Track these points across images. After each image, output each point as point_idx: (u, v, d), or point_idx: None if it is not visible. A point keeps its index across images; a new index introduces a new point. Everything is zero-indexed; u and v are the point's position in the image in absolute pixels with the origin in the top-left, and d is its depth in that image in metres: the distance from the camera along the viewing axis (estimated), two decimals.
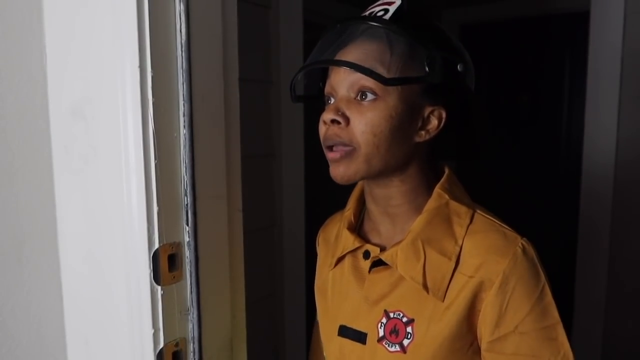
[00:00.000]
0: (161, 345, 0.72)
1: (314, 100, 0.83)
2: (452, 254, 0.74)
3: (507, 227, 0.75)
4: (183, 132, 0.72)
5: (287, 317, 1.87)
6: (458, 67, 0.74)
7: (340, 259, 0.85)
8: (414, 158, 0.76)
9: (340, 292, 0.84)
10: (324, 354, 0.89)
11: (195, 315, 0.75)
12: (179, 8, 0.70)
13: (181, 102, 0.72)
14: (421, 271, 0.73)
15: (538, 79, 3.00)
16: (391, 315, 0.76)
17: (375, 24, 0.72)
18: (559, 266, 2.20)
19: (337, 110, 0.72)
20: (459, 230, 0.75)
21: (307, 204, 1.88)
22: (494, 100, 3.06)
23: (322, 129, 0.75)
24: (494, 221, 0.76)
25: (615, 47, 1.82)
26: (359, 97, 0.72)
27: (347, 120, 0.72)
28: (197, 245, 0.75)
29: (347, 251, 0.83)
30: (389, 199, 0.78)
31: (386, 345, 0.75)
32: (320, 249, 0.94)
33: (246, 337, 0.89)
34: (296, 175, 1.83)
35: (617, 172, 1.87)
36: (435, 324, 0.73)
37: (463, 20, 2.92)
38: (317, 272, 0.93)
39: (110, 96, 0.71)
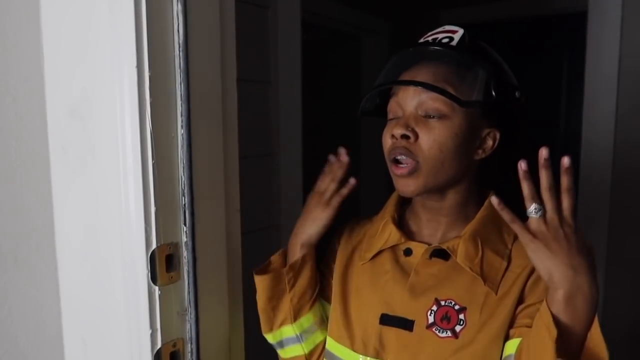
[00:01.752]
0: (159, 345, 0.72)
1: (370, 114, 0.90)
2: (504, 255, 0.81)
3: None
4: (181, 132, 0.72)
5: None
6: (516, 94, 0.82)
7: (377, 253, 0.88)
8: (468, 174, 0.83)
9: (379, 283, 0.86)
10: (354, 340, 0.87)
11: (192, 316, 0.75)
12: (177, 8, 0.70)
13: (179, 102, 0.71)
14: (479, 263, 0.79)
15: (536, 79, 3.00)
16: (442, 303, 0.79)
17: (448, 49, 0.79)
18: None
19: (407, 126, 0.78)
20: (508, 237, 0.83)
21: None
22: None
23: (388, 142, 0.81)
24: None
25: (613, 47, 1.82)
26: (426, 116, 0.78)
27: (416, 136, 0.78)
28: (195, 245, 0.74)
29: (389, 245, 0.87)
30: (440, 210, 0.84)
31: (436, 331, 0.78)
32: (341, 246, 0.96)
33: (244, 338, 0.89)
34: (294, 176, 1.83)
35: (614, 172, 1.87)
36: (488, 314, 0.77)
37: (461, 20, 2.92)
38: (335, 268, 0.94)
39: (108, 96, 0.70)
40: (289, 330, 0.93)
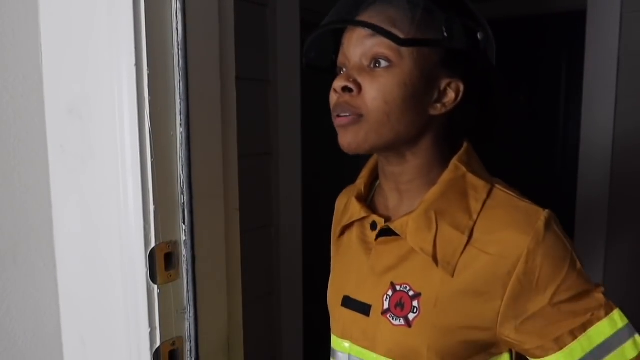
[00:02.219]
0: (158, 344, 0.72)
1: (325, 71, 0.81)
2: (465, 228, 0.70)
3: (527, 200, 0.73)
4: (180, 130, 0.72)
5: (284, 316, 1.87)
6: (478, 35, 0.71)
7: (346, 228, 0.84)
8: (428, 131, 0.73)
9: (345, 262, 0.83)
10: (331, 320, 0.87)
11: (192, 314, 0.75)
12: (176, 6, 0.70)
13: (178, 101, 0.71)
14: (432, 243, 0.70)
15: (535, 78, 3.00)
16: (397, 287, 0.74)
17: None
18: None
19: (349, 78, 0.70)
20: (475, 205, 0.71)
21: (304, 202, 1.88)
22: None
23: (332, 97, 0.72)
24: (513, 196, 0.73)
25: (612, 46, 1.82)
26: (372, 65, 0.70)
27: (359, 88, 0.69)
28: (194, 244, 0.74)
29: (352, 220, 0.81)
30: (400, 175, 0.76)
31: (390, 318, 0.73)
32: (336, 213, 0.94)
33: (243, 336, 0.89)
34: (293, 174, 1.83)
35: (613, 170, 1.87)
36: (443, 300, 0.70)
37: None
38: (332, 236, 0.93)
39: (107, 95, 0.70)
40: None
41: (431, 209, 0.72)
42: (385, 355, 0.74)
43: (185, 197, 0.73)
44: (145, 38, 0.67)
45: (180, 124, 0.72)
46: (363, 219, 0.81)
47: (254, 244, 1.70)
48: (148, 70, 0.68)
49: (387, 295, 0.74)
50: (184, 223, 0.74)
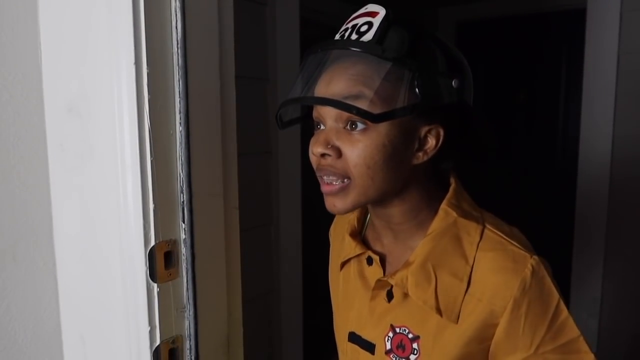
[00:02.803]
0: (157, 342, 0.72)
1: (303, 121, 0.80)
2: (463, 275, 0.71)
3: (516, 244, 0.72)
4: (179, 129, 0.72)
5: (283, 314, 1.87)
6: (453, 83, 0.69)
7: (345, 263, 0.85)
8: (413, 179, 0.73)
9: (348, 297, 0.84)
10: (338, 349, 0.89)
11: (191, 313, 0.75)
12: (175, 4, 0.69)
13: (177, 99, 0.71)
14: (433, 295, 0.71)
15: (535, 76, 3.01)
16: (397, 330, 0.75)
17: (356, 49, 0.67)
18: (554, 264, 2.21)
19: (327, 143, 0.69)
20: (469, 249, 0.72)
21: (304, 201, 1.88)
22: (491, 98, 3.06)
23: (313, 159, 0.72)
24: (503, 238, 0.72)
25: (612, 44, 1.82)
26: (348, 127, 0.68)
27: (339, 152, 0.68)
28: (194, 242, 0.74)
29: (349, 257, 0.83)
30: (390, 217, 0.76)
31: (394, 359, 0.76)
32: (333, 243, 0.94)
33: (243, 335, 0.89)
34: (293, 173, 1.83)
35: (612, 169, 1.87)
36: (442, 342, 0.72)
37: (459, 17, 2.92)
38: (330, 265, 0.94)
39: (106, 93, 0.70)
40: None
41: (427, 261, 0.72)
42: None
43: (184, 196, 0.73)
44: (144, 36, 0.67)
45: (180, 123, 0.72)
46: (359, 255, 0.82)
47: (254, 243, 1.70)
48: (147, 68, 0.67)
49: (389, 336, 0.76)
50: (183, 222, 0.74)
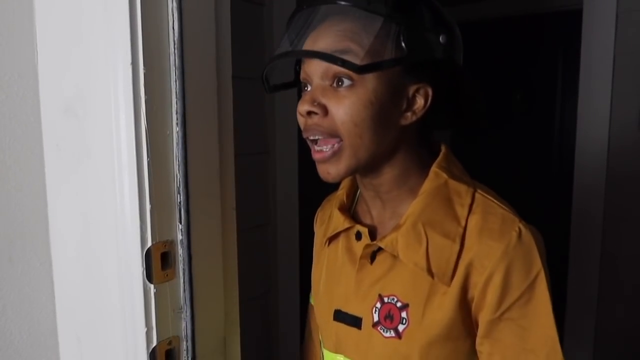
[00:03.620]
0: (154, 343, 0.72)
1: (291, 87, 0.79)
2: (455, 236, 0.69)
3: (507, 208, 0.71)
4: (176, 129, 0.72)
5: (281, 315, 1.87)
6: (440, 39, 0.68)
7: (331, 239, 0.83)
8: (402, 141, 0.71)
9: (334, 275, 0.81)
10: (320, 337, 0.87)
11: (188, 314, 0.75)
12: (172, 4, 0.69)
13: (174, 100, 0.71)
14: (424, 256, 0.69)
15: (531, 76, 3.01)
16: (385, 300, 0.73)
17: (345, 2, 0.66)
18: (551, 263, 2.22)
19: (313, 101, 0.68)
20: (461, 211, 0.70)
21: (301, 202, 1.88)
22: (488, 98, 3.06)
23: (300, 120, 0.71)
24: (493, 202, 0.72)
25: (608, 44, 1.83)
26: (335, 84, 0.67)
27: (325, 110, 0.67)
28: (190, 243, 0.74)
29: (337, 231, 0.81)
30: (379, 186, 0.75)
31: (381, 331, 0.73)
32: (317, 231, 0.92)
33: (240, 336, 0.89)
34: (290, 173, 1.83)
35: (609, 169, 1.88)
36: (431, 308, 0.70)
37: (457, 18, 2.92)
38: (314, 255, 0.92)
39: (103, 94, 0.70)
40: None
41: (418, 221, 0.71)
42: None
43: (181, 197, 0.73)
44: (141, 37, 0.67)
45: (177, 123, 0.71)
46: (348, 229, 0.80)
47: (251, 243, 1.70)
48: (144, 69, 0.67)
49: (376, 307, 0.74)
50: (180, 222, 0.73)
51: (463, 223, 0.70)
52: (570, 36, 2.37)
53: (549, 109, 2.97)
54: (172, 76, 0.71)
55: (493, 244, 0.68)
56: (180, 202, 0.73)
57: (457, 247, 0.69)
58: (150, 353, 0.72)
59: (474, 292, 0.69)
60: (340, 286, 0.80)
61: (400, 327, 0.71)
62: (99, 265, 0.76)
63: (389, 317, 0.72)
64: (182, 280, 0.74)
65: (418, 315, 0.71)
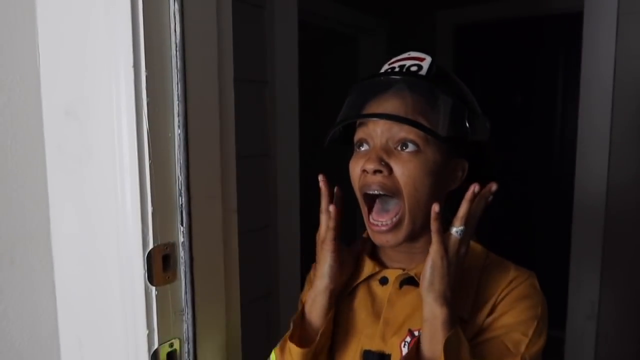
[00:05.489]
0: (156, 345, 0.72)
1: (342, 144, 0.83)
2: (472, 285, 0.76)
3: (515, 266, 0.79)
4: (177, 132, 0.72)
5: (282, 317, 1.86)
6: (487, 124, 0.78)
7: (357, 286, 0.83)
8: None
9: (354, 320, 0.82)
10: None
11: (189, 316, 0.75)
12: (174, 8, 0.70)
13: (175, 102, 0.71)
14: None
15: (532, 79, 3.01)
16: (415, 333, 0.75)
17: (417, 78, 0.74)
18: (552, 267, 2.21)
19: (380, 160, 0.72)
20: (476, 265, 0.78)
21: (302, 204, 1.88)
22: (488, 101, 3.07)
23: (358, 175, 0.75)
24: (506, 261, 0.79)
25: (609, 47, 1.83)
26: (399, 148, 0.72)
27: (390, 170, 0.72)
28: (192, 245, 0.74)
29: (365, 277, 0.82)
30: (413, 247, 0.79)
31: None
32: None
33: (241, 338, 0.89)
34: (291, 176, 1.83)
35: (610, 173, 1.88)
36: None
37: (457, 20, 2.93)
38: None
39: (104, 96, 0.70)
40: None
41: None
42: None
43: (183, 199, 0.73)
44: (143, 39, 0.67)
45: (178, 126, 0.72)
46: (372, 275, 0.82)
47: (252, 246, 1.70)
48: (146, 71, 0.67)
49: (405, 342, 0.76)
50: (182, 225, 0.73)
51: (478, 274, 0.77)
52: (572, 38, 2.37)
53: (549, 111, 2.97)
54: (173, 78, 0.71)
55: (509, 279, 0.76)
56: (181, 205, 0.73)
57: (473, 292, 0.76)
58: (152, 355, 0.72)
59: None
60: (365, 327, 0.80)
61: None
62: (100, 267, 0.76)
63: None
64: (183, 283, 0.75)
65: None
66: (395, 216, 0.73)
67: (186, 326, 0.75)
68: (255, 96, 1.66)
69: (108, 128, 0.70)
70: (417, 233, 0.76)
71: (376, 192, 0.73)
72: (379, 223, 0.74)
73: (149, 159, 0.69)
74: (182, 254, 0.74)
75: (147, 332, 0.71)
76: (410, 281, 0.78)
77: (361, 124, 0.77)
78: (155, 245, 0.71)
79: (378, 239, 0.76)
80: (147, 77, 0.68)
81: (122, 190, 0.70)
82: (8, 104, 0.77)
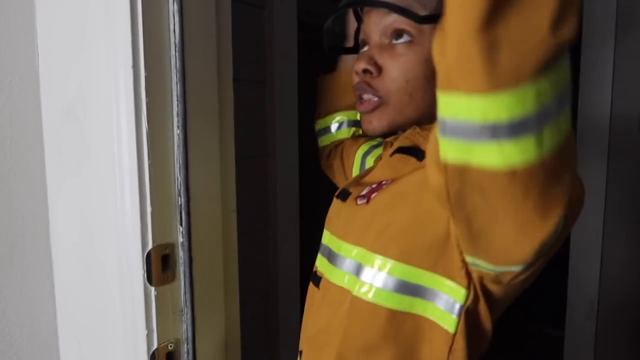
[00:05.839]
0: (155, 346, 0.72)
1: (348, 52, 0.81)
2: None
3: None
4: (177, 132, 0.72)
5: (281, 318, 1.86)
6: None
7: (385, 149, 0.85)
8: None
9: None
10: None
11: (189, 316, 0.75)
12: (173, 8, 0.69)
13: (175, 102, 0.71)
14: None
15: None
16: (382, 184, 0.73)
17: None
18: (550, 265, 2.22)
19: (370, 59, 0.70)
20: None
21: (302, 204, 1.88)
22: None
23: (354, 79, 0.73)
24: None
25: (608, 46, 1.83)
26: (393, 40, 0.69)
27: (380, 70, 0.69)
28: (191, 245, 0.74)
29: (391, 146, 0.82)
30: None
31: (358, 200, 0.73)
32: (364, 147, 0.99)
33: (240, 338, 0.88)
34: (291, 176, 1.83)
35: (609, 171, 1.88)
36: (410, 186, 0.69)
37: None
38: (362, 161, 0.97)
39: (104, 96, 0.70)
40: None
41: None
42: (352, 243, 0.70)
43: (182, 199, 0.73)
44: (142, 39, 0.67)
45: (178, 126, 0.72)
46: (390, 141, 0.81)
47: (251, 246, 1.70)
48: (145, 71, 0.67)
49: (371, 187, 0.74)
50: (181, 225, 0.73)
51: None
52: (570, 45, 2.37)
53: None
54: (173, 78, 0.71)
55: None
56: (180, 205, 0.73)
57: None
58: (151, 356, 0.72)
59: None
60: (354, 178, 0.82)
61: (374, 195, 0.71)
62: (99, 267, 0.76)
63: (373, 191, 0.72)
64: (182, 283, 0.74)
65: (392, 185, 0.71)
66: (377, 92, 0.70)
67: (185, 326, 0.75)
68: (254, 96, 1.66)
69: (107, 128, 0.70)
70: (408, 127, 0.73)
71: (365, 94, 0.71)
72: (363, 97, 0.71)
73: (148, 159, 0.69)
74: (181, 254, 0.74)
75: (147, 332, 0.71)
76: (405, 150, 0.74)
77: (362, 24, 0.74)
78: (155, 245, 0.71)
79: (364, 125, 0.73)
80: (146, 77, 0.68)
81: (121, 190, 0.70)
82: (7, 104, 0.77)
